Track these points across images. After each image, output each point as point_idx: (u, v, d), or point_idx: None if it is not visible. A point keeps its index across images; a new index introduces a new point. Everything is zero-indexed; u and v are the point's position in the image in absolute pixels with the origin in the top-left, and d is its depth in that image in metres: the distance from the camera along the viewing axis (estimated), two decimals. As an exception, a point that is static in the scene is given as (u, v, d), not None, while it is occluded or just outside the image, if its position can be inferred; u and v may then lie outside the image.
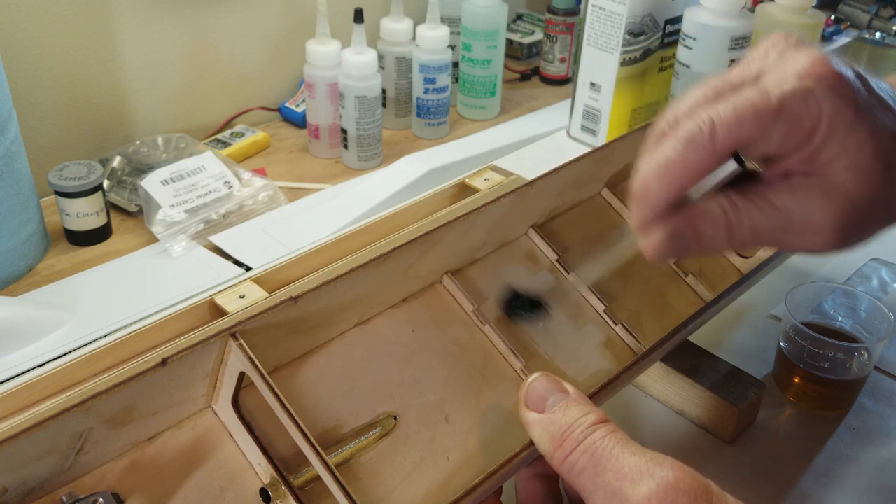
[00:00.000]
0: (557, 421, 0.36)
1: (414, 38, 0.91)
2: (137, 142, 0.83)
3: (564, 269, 0.52)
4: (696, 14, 0.79)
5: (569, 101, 0.91)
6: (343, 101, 0.84)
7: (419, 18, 0.92)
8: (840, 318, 0.60)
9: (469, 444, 0.43)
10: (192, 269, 0.70)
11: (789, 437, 0.56)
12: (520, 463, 0.40)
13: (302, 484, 0.38)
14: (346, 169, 0.87)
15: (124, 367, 0.35)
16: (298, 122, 0.94)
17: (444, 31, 0.89)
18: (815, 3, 0.81)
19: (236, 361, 0.37)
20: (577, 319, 0.51)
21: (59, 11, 0.77)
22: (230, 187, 0.77)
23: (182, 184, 0.75)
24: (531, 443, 0.38)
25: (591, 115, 0.88)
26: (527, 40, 1.15)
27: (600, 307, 0.51)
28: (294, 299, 0.38)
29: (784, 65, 0.37)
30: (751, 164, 0.39)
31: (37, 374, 0.38)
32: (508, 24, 1.17)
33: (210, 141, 0.88)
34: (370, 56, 0.82)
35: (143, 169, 0.79)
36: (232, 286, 0.42)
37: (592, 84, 0.86)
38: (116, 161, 0.80)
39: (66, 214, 0.71)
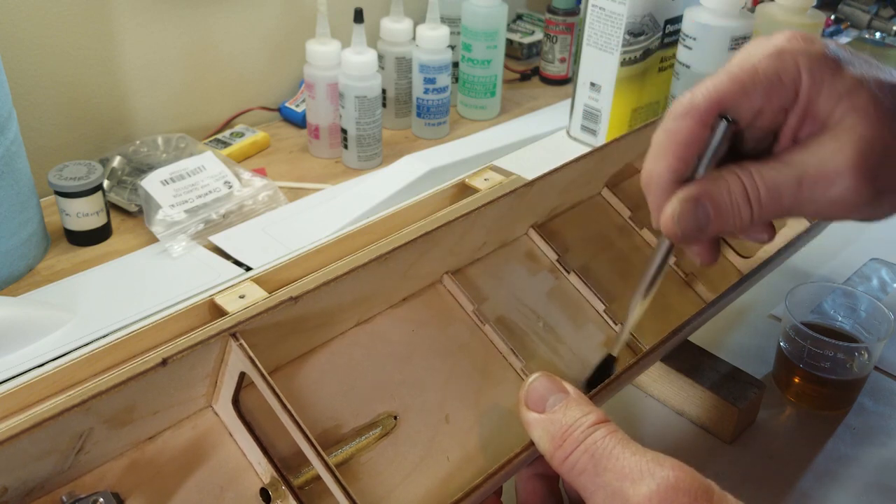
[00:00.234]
0: (558, 421, 0.36)
1: (414, 38, 0.91)
2: (137, 142, 0.83)
3: (564, 269, 0.52)
4: (696, 14, 0.79)
5: (569, 101, 0.91)
6: (343, 101, 0.84)
7: (419, 18, 0.92)
8: (840, 318, 0.60)
9: (469, 444, 0.43)
10: (192, 269, 0.70)
11: (789, 437, 0.56)
12: (520, 463, 0.40)
13: (302, 484, 0.38)
14: (346, 169, 0.87)
15: (124, 367, 0.35)
16: (298, 122, 0.94)
17: (444, 31, 0.89)
18: (815, 3, 0.81)
19: (236, 361, 0.37)
20: (577, 319, 0.51)
21: (59, 11, 0.77)
22: (230, 187, 0.77)
23: (182, 184, 0.75)
24: (531, 443, 0.38)
25: (591, 115, 0.88)
26: (527, 40, 1.15)
27: (600, 307, 0.51)
28: (294, 299, 0.38)
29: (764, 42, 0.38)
30: (759, 145, 0.39)
31: (37, 374, 0.38)
32: (508, 24, 1.17)
33: (210, 141, 0.88)
34: (370, 56, 0.82)
35: (143, 169, 0.79)
36: (232, 286, 0.42)
37: (592, 84, 0.86)
38: (116, 161, 0.80)
39: (66, 214, 0.71)
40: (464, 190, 0.54)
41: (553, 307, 0.51)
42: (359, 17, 0.82)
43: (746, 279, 0.55)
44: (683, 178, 0.38)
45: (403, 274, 0.45)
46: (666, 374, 0.56)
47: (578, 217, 0.57)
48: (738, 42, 0.78)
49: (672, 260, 0.57)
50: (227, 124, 0.93)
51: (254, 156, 0.89)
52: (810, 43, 0.37)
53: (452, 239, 0.46)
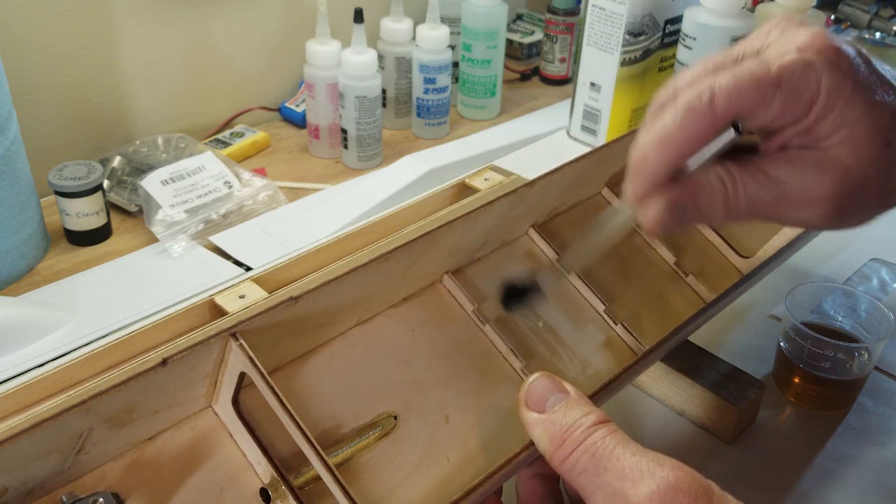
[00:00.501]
0: (558, 421, 0.36)
1: (414, 38, 0.91)
2: (137, 142, 0.83)
3: (565, 268, 0.52)
4: (696, 14, 0.79)
5: (569, 101, 0.91)
6: (343, 101, 0.84)
7: (419, 18, 0.92)
8: (840, 318, 0.60)
9: (469, 444, 0.43)
10: (192, 269, 0.70)
11: (789, 437, 0.56)
12: (520, 463, 0.40)
13: (302, 484, 0.38)
14: (346, 169, 0.87)
15: (124, 367, 0.35)
16: (298, 122, 0.94)
17: (444, 31, 0.89)
18: (815, 3, 0.81)
19: (236, 361, 0.37)
20: (577, 319, 0.51)
21: (59, 11, 0.77)
22: (230, 187, 0.77)
23: (182, 184, 0.75)
24: (531, 443, 0.38)
25: (591, 115, 0.88)
26: (527, 40, 1.15)
27: (600, 307, 0.51)
28: (294, 299, 0.38)
29: (785, 39, 0.38)
30: (750, 137, 0.39)
31: (37, 374, 0.38)
32: (508, 24, 1.17)
33: (210, 141, 0.88)
34: (370, 56, 0.82)
35: (143, 169, 0.79)
36: (232, 286, 0.42)
37: (592, 84, 0.86)
38: (116, 161, 0.80)
39: (66, 214, 0.71)
40: (464, 190, 0.54)
41: (553, 307, 0.51)
42: (359, 17, 0.82)
43: (746, 279, 0.55)
44: (675, 171, 0.38)
45: (403, 274, 0.45)
46: (666, 374, 0.56)
47: (579, 217, 0.57)
48: (737, 42, 0.78)
49: (672, 260, 0.57)
50: (227, 124, 0.93)
51: (254, 156, 0.89)
52: (836, 56, 0.36)
53: (452, 239, 0.46)
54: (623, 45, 0.82)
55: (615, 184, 0.59)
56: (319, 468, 0.35)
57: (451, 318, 0.47)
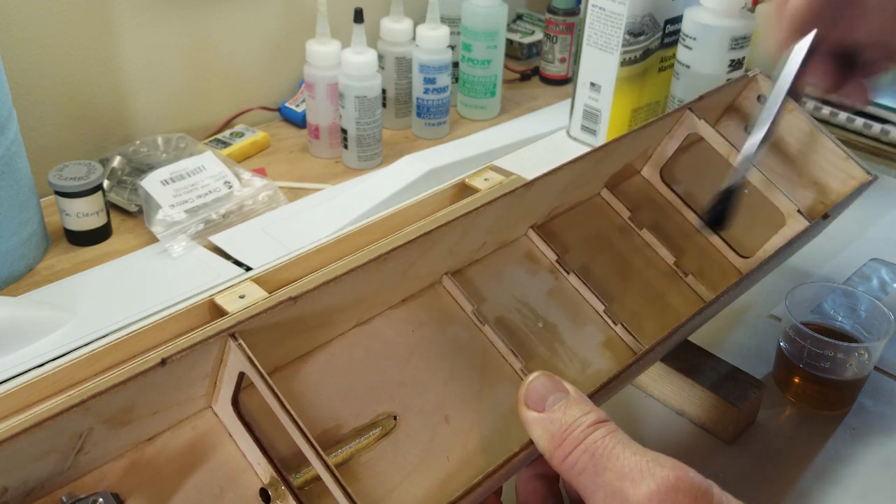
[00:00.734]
0: (557, 420, 0.36)
1: (414, 38, 0.91)
2: (137, 142, 0.83)
3: (564, 269, 0.52)
4: (696, 14, 0.79)
5: (569, 101, 0.91)
6: (343, 101, 0.84)
7: (419, 18, 0.92)
8: (840, 318, 0.60)
9: (469, 444, 0.43)
10: (192, 269, 0.70)
11: (789, 437, 0.56)
12: (519, 462, 0.40)
13: (302, 484, 0.38)
14: (346, 169, 0.87)
15: (124, 368, 0.35)
16: (298, 122, 0.94)
17: (444, 31, 0.89)
18: (815, 3, 0.81)
19: (236, 361, 0.37)
20: (577, 319, 0.51)
21: (59, 11, 0.77)
22: (230, 187, 0.77)
23: (182, 184, 0.75)
24: (531, 442, 0.38)
25: (591, 115, 0.88)
26: (527, 40, 1.15)
27: (600, 307, 0.51)
28: (293, 299, 0.38)
29: None
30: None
31: (37, 374, 0.38)
32: (508, 24, 1.17)
33: (210, 141, 0.88)
34: (370, 56, 0.82)
35: (143, 169, 0.79)
36: (232, 286, 0.42)
37: (592, 84, 0.86)
38: (116, 161, 0.80)
39: (66, 214, 0.71)
40: (464, 190, 0.54)
41: (553, 307, 0.51)
42: (359, 17, 0.82)
43: (746, 279, 0.55)
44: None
45: (403, 274, 0.45)
46: (666, 374, 0.56)
47: (578, 218, 0.57)
48: (737, 42, 0.78)
49: (672, 260, 0.57)
50: (227, 124, 0.93)
51: (254, 156, 0.89)
52: None
53: (452, 239, 0.46)
54: (623, 45, 0.82)
55: (615, 184, 0.59)
56: (319, 468, 0.35)
57: (451, 318, 0.47)
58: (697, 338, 0.58)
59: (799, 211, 0.56)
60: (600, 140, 0.88)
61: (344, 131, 0.86)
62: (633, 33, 0.81)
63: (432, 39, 0.89)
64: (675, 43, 0.85)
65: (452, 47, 0.93)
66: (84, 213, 0.71)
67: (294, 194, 0.81)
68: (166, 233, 0.72)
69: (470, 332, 0.47)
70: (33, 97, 0.78)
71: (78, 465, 0.35)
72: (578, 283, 0.52)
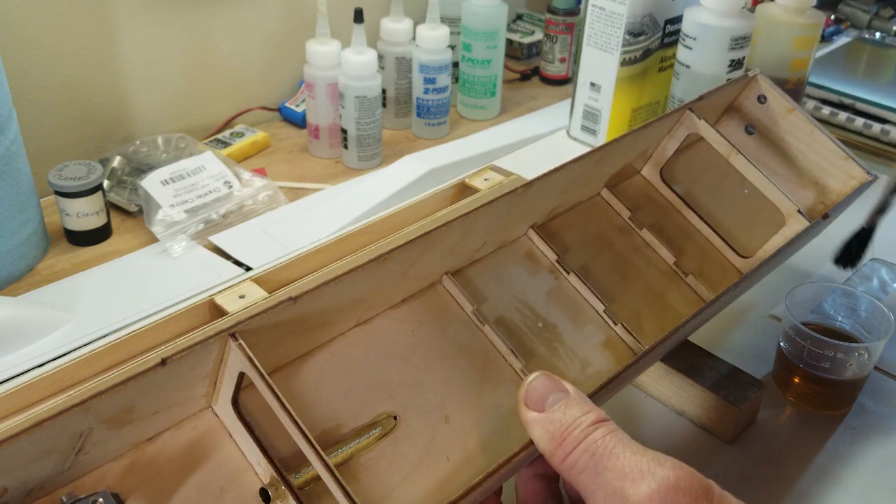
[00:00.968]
0: (557, 420, 0.36)
1: (414, 38, 0.91)
2: (137, 142, 0.83)
3: (564, 269, 0.52)
4: (696, 14, 0.79)
5: (569, 101, 0.91)
6: (343, 101, 0.84)
7: (419, 18, 0.92)
8: (840, 318, 0.60)
9: (469, 444, 0.43)
10: (192, 269, 0.70)
11: (789, 437, 0.56)
12: (519, 462, 0.40)
13: (302, 484, 0.38)
14: (346, 169, 0.87)
15: (124, 367, 0.35)
16: (298, 122, 0.94)
17: (444, 31, 0.89)
18: (815, 3, 0.81)
19: (236, 361, 0.37)
20: (577, 320, 0.51)
21: (59, 11, 0.77)
22: (230, 187, 0.77)
23: (182, 184, 0.75)
24: (531, 442, 0.38)
25: (591, 115, 0.88)
26: (527, 40, 1.15)
27: (600, 307, 0.51)
28: (293, 299, 0.38)
29: None
30: None
31: (37, 374, 0.38)
32: (508, 24, 1.17)
33: (210, 141, 0.88)
34: (370, 56, 0.82)
35: (143, 169, 0.79)
36: (232, 286, 0.42)
37: (592, 84, 0.86)
38: (116, 161, 0.80)
39: (66, 214, 0.71)
40: (464, 190, 0.54)
41: (553, 307, 0.51)
42: (359, 17, 0.82)
43: (746, 279, 0.55)
44: None
45: (403, 274, 0.45)
46: (666, 374, 0.56)
47: (578, 218, 0.57)
48: (737, 42, 0.78)
49: (672, 260, 0.57)
50: (227, 124, 0.93)
51: (254, 156, 0.89)
52: None
53: (452, 239, 0.46)
54: (623, 45, 0.82)
55: (615, 184, 0.59)
56: (319, 468, 0.35)
57: (451, 318, 0.47)
58: (697, 338, 0.58)
59: (799, 211, 0.56)
60: (600, 140, 0.88)
61: (344, 131, 0.86)
62: (633, 33, 0.81)
63: (432, 39, 0.89)
64: (675, 43, 0.85)
65: (452, 47, 0.93)
66: (84, 213, 0.71)
67: (294, 194, 0.81)
68: (166, 233, 0.72)
69: (470, 332, 0.47)
70: (33, 97, 0.78)
71: (78, 465, 0.35)
72: (578, 283, 0.52)
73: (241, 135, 0.89)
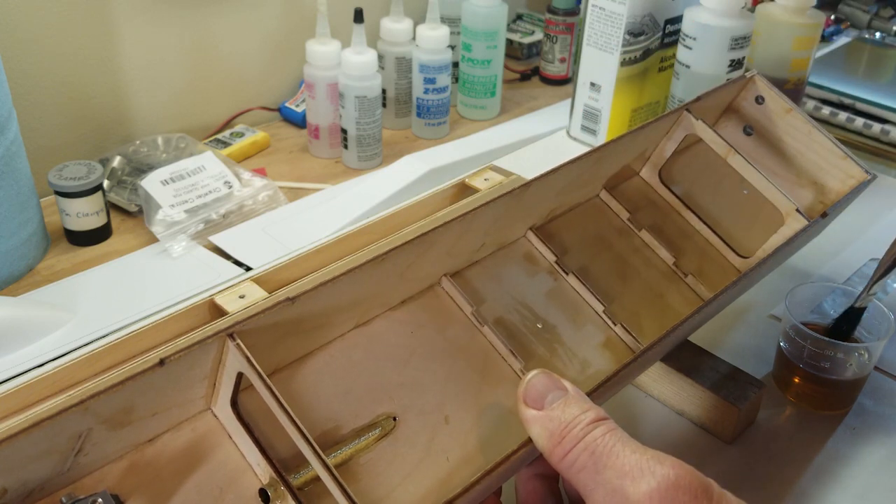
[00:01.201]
0: (556, 418, 0.36)
1: (414, 38, 0.91)
2: (137, 142, 0.83)
3: (563, 270, 0.52)
4: (696, 14, 0.79)
5: (569, 101, 0.91)
6: (343, 101, 0.84)
7: (419, 18, 0.92)
8: (840, 318, 0.60)
9: (468, 445, 0.43)
10: (192, 269, 0.70)
11: (789, 437, 0.56)
12: (519, 461, 0.40)
13: (301, 484, 0.38)
14: (346, 169, 0.87)
15: (123, 368, 0.35)
16: (298, 122, 0.94)
17: (444, 31, 0.89)
18: (815, 3, 0.81)
19: (234, 362, 0.37)
20: (577, 320, 0.51)
21: (59, 11, 0.77)
22: (230, 187, 0.77)
23: (182, 184, 0.75)
24: (530, 440, 0.38)
25: (591, 115, 0.88)
26: (527, 40, 1.15)
27: (599, 308, 0.51)
28: (291, 300, 0.38)
29: None
30: None
31: (37, 374, 0.38)
32: (508, 24, 1.17)
33: (210, 141, 0.88)
34: (370, 56, 0.82)
35: (143, 169, 0.79)
36: (232, 286, 0.42)
37: (592, 84, 0.86)
38: (116, 161, 0.80)
39: (66, 214, 0.71)
40: (464, 190, 0.54)
41: (552, 308, 0.51)
42: (359, 17, 0.82)
43: (745, 278, 0.55)
44: None
45: (401, 275, 0.45)
46: (666, 374, 0.56)
47: (577, 219, 0.57)
48: (737, 42, 0.78)
49: (671, 261, 0.57)
50: (227, 124, 0.93)
51: (254, 156, 0.89)
52: None
53: (450, 240, 0.46)
54: (623, 45, 0.82)
55: (613, 186, 0.59)
56: (318, 468, 0.35)
57: (450, 319, 0.47)
58: (697, 338, 0.58)
59: (798, 210, 0.56)
60: (600, 140, 0.88)
61: (344, 131, 0.86)
62: (633, 33, 0.81)
63: (432, 39, 0.89)
64: (675, 43, 0.85)
65: (452, 47, 0.93)
66: (84, 213, 0.71)
67: (294, 194, 0.81)
68: (166, 233, 0.72)
69: (469, 333, 0.47)
70: (33, 97, 0.78)
71: (77, 466, 0.35)
72: (578, 284, 0.52)
73: (241, 135, 0.89)
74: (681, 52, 0.81)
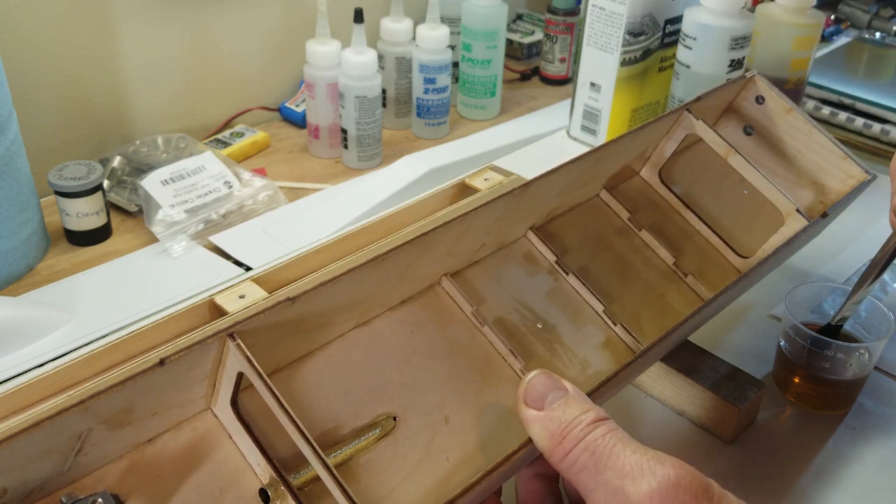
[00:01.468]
0: (557, 418, 0.36)
1: (414, 38, 0.91)
2: (137, 142, 0.83)
3: (563, 270, 0.52)
4: (696, 14, 0.79)
5: (569, 101, 0.91)
6: (343, 101, 0.84)
7: (419, 18, 0.92)
8: (840, 318, 0.60)
9: (468, 445, 0.43)
10: (192, 269, 0.70)
11: (789, 437, 0.56)
12: (519, 461, 0.40)
13: (301, 484, 0.38)
14: (346, 169, 0.87)
15: (123, 368, 0.35)
16: (298, 122, 0.94)
17: (444, 31, 0.89)
18: (815, 3, 0.81)
19: (234, 362, 0.37)
20: (577, 320, 0.51)
21: (59, 11, 0.77)
22: (230, 187, 0.77)
23: (182, 184, 0.75)
24: (530, 440, 0.38)
25: (591, 115, 0.88)
26: (527, 40, 1.15)
27: (599, 308, 0.51)
28: (291, 300, 0.38)
29: None
30: None
31: (37, 374, 0.38)
32: (508, 24, 1.17)
33: (210, 141, 0.88)
34: (370, 56, 0.82)
35: (143, 169, 0.79)
36: (232, 286, 0.42)
37: (592, 84, 0.86)
38: (116, 161, 0.80)
39: (66, 214, 0.71)
40: (464, 190, 0.54)
41: (552, 308, 0.51)
42: (359, 17, 0.82)
43: (745, 278, 0.55)
44: None
45: (401, 275, 0.45)
46: (666, 374, 0.56)
47: (577, 219, 0.57)
48: (737, 42, 0.78)
49: (671, 261, 0.57)
50: (227, 124, 0.93)
51: (254, 156, 0.89)
52: None
53: (450, 240, 0.46)
54: (623, 45, 0.82)
55: (613, 186, 0.59)
56: (318, 468, 0.35)
57: (450, 319, 0.47)
58: (697, 338, 0.58)
59: (798, 210, 0.56)
60: (600, 140, 0.88)
61: (344, 131, 0.86)
62: (633, 33, 0.81)
63: (432, 39, 0.89)
64: (675, 43, 0.85)
65: (452, 47, 0.93)
66: (84, 213, 0.71)
67: (294, 194, 0.81)
68: (166, 233, 0.72)
69: (469, 333, 0.47)
70: (33, 97, 0.78)
71: (77, 466, 0.35)
72: (578, 284, 0.52)
73: (241, 135, 0.89)
74: (681, 52, 0.81)
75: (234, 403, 0.38)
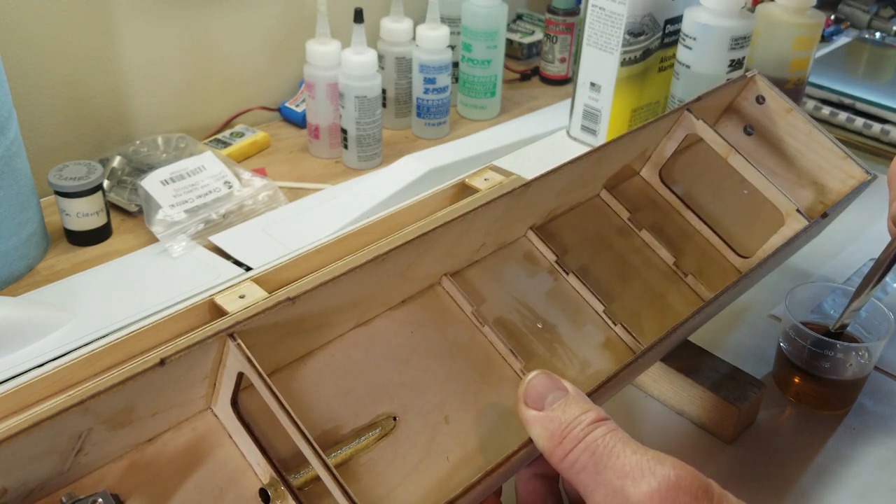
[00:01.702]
0: (557, 418, 0.36)
1: (414, 38, 0.91)
2: (137, 142, 0.83)
3: (563, 270, 0.52)
4: (696, 14, 0.79)
5: (569, 101, 0.91)
6: (343, 101, 0.84)
7: (419, 18, 0.92)
8: (840, 319, 0.60)
9: (468, 445, 0.43)
10: (192, 269, 0.70)
11: (789, 437, 0.56)
12: (519, 461, 0.40)
13: (301, 484, 0.38)
14: (346, 169, 0.87)
15: (123, 368, 0.35)
16: (298, 122, 0.94)
17: (444, 31, 0.89)
18: (815, 3, 0.81)
19: (234, 361, 0.37)
20: (577, 320, 0.51)
21: (59, 11, 0.77)
22: (230, 187, 0.77)
23: (182, 184, 0.75)
24: (530, 441, 0.38)
25: (591, 115, 0.88)
26: (527, 40, 1.15)
27: (599, 308, 0.51)
28: (291, 300, 0.38)
29: None
30: None
31: (37, 374, 0.38)
32: (508, 24, 1.17)
33: (210, 141, 0.88)
34: (370, 56, 0.82)
35: (143, 169, 0.79)
36: (232, 286, 0.42)
37: (592, 84, 0.86)
38: (116, 161, 0.80)
39: (66, 214, 0.71)
40: (464, 190, 0.54)
41: (552, 308, 0.51)
42: (359, 17, 0.82)
43: (746, 278, 0.55)
44: None
45: (401, 275, 0.45)
46: (666, 374, 0.56)
47: (577, 219, 0.57)
48: (737, 42, 0.78)
49: (671, 261, 0.57)
50: (227, 124, 0.93)
51: (254, 156, 0.89)
52: None
53: (450, 240, 0.46)
54: (623, 45, 0.82)
55: (613, 186, 0.59)
56: (318, 468, 0.35)
57: (450, 319, 0.47)
58: (697, 338, 0.58)
59: (798, 210, 0.56)
60: (600, 140, 0.88)
61: (344, 131, 0.86)
62: (633, 33, 0.81)
63: (432, 39, 0.89)
64: (675, 43, 0.85)
65: (452, 47, 0.93)
66: (84, 213, 0.71)
67: (294, 194, 0.81)
68: (166, 233, 0.72)
69: (469, 332, 0.47)
70: (33, 97, 0.78)
71: (78, 465, 0.35)
72: (578, 284, 0.52)
73: (241, 135, 0.89)
74: (681, 52, 0.81)
75: (235, 403, 0.38)
